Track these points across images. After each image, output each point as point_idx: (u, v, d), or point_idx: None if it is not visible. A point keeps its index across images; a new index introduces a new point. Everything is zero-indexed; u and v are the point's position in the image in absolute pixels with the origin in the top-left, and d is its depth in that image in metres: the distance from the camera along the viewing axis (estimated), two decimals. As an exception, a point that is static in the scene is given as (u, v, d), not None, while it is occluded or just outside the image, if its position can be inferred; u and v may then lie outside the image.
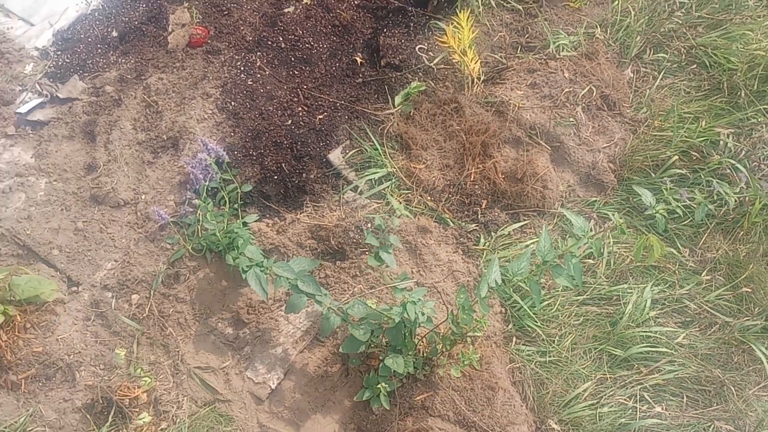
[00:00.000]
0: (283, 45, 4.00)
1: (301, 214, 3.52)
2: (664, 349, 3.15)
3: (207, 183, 3.25)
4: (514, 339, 3.20)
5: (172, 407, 3.01)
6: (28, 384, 3.00)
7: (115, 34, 4.12)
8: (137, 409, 2.95)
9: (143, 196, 3.51)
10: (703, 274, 3.39)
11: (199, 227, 3.22)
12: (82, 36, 4.12)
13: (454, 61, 3.78)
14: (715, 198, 3.53)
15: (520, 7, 4.20)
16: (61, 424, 2.93)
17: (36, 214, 3.46)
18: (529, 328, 3.20)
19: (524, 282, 2.67)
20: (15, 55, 4.05)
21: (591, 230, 2.83)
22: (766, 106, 3.75)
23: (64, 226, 3.43)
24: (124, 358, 3.03)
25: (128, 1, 4.26)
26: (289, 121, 3.72)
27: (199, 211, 3.19)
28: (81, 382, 3.02)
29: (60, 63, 4.02)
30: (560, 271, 2.54)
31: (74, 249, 3.37)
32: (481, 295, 2.62)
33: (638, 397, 3.08)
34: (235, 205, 3.35)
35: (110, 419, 2.91)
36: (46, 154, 3.66)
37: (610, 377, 3.11)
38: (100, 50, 4.07)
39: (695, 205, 3.25)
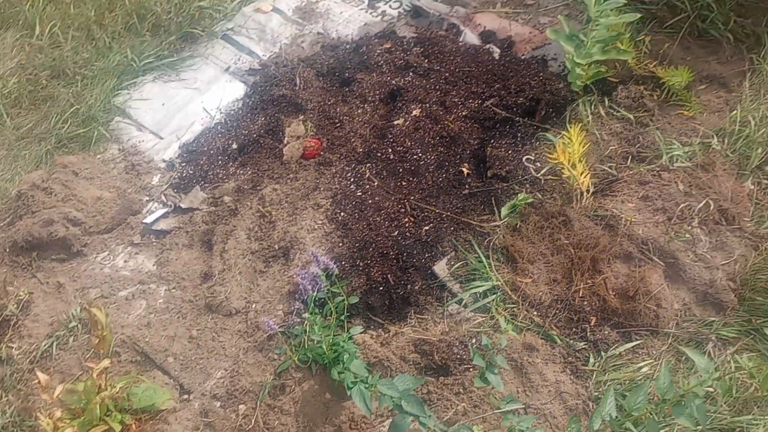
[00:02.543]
0: (391, 156, 4.11)
1: (405, 326, 3.52)
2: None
3: (315, 294, 3.32)
4: (628, 469, 3.02)
5: None
6: (138, 493, 3.10)
7: (234, 146, 4.37)
8: None
9: (254, 305, 3.63)
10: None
11: (306, 338, 3.28)
12: (205, 148, 4.39)
13: (564, 175, 3.74)
14: None
15: (631, 116, 4.13)
16: None
17: (155, 322, 3.63)
18: (644, 459, 3.01)
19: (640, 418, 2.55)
20: (144, 167, 4.36)
21: (715, 364, 2.68)
22: None
23: (180, 334, 3.58)
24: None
25: (248, 115, 4.53)
26: (396, 232, 3.78)
27: (306, 323, 3.25)
28: (188, 493, 3.08)
29: (184, 174, 4.29)
30: (682, 410, 2.39)
31: (187, 357, 3.50)
32: (594, 428, 2.53)
33: None
34: (342, 317, 3.40)
35: None
36: (167, 262, 3.87)
37: None
38: (220, 162, 4.32)
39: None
